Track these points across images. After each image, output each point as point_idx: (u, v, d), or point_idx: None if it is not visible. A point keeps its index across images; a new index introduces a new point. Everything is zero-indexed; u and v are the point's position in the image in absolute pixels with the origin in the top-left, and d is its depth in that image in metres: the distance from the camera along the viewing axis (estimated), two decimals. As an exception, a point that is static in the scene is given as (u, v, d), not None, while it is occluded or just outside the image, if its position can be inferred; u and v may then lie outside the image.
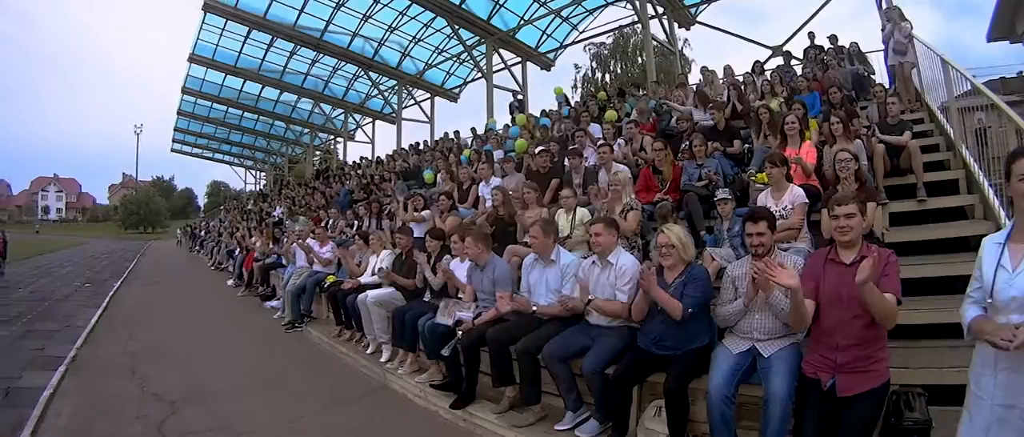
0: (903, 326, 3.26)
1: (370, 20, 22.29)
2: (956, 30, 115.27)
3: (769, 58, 16.16)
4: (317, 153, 37.84)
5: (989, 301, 2.37)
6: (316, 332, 8.55)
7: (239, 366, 7.13)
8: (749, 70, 12.09)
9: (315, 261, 9.59)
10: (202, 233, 31.65)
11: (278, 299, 10.88)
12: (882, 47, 10.53)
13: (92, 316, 10.44)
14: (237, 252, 16.68)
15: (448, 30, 22.05)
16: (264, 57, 25.65)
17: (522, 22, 21.39)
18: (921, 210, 6.16)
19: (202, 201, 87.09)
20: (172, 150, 41.03)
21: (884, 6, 12.01)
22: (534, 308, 4.92)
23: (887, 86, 9.53)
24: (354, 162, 24.34)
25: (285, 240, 11.64)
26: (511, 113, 18.45)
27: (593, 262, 4.71)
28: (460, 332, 5.20)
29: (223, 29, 23.21)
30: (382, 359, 6.62)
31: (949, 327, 2.98)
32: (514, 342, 4.67)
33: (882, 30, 10.38)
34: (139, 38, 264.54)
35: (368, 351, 7.01)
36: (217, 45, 24.67)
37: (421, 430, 4.95)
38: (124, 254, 29.43)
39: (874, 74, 11.07)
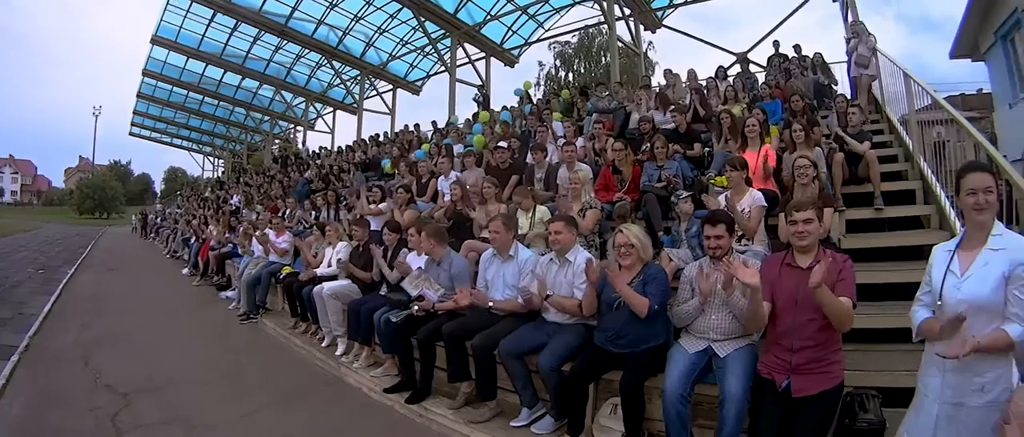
0: (858, 330, 3.30)
1: (336, 8, 21.87)
2: (918, 46, 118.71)
3: (733, 64, 16.35)
4: (276, 142, 37.22)
5: (938, 303, 2.52)
6: (271, 324, 8.35)
7: (193, 358, 6.96)
8: (713, 75, 12.20)
9: (271, 251, 9.42)
10: (158, 219, 30.74)
11: (233, 289, 10.66)
12: (846, 58, 10.72)
13: (45, 304, 10.06)
14: (193, 241, 16.30)
15: (414, 22, 21.74)
16: (227, 41, 25.07)
17: (488, 17, 21.29)
18: (878, 218, 6.26)
19: (159, 187, 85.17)
20: (131, 133, 39.77)
21: (850, 19, 12.23)
22: (490, 304, 4.88)
23: (849, 96, 9.70)
24: (313, 151, 24.01)
25: (241, 230, 11.40)
26: (477, 106, 18.41)
27: (551, 259, 4.69)
28: (416, 307, 5.19)
29: (188, 11, 22.53)
30: (337, 352, 6.52)
31: (903, 331, 3.02)
32: (470, 337, 4.62)
33: (846, 42, 10.56)
34: (103, 16, 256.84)
35: (323, 344, 6.90)
36: (181, 27, 23.96)
37: (376, 424, 4.86)
38: (79, 240, 28.35)
39: (836, 84, 11.27)
